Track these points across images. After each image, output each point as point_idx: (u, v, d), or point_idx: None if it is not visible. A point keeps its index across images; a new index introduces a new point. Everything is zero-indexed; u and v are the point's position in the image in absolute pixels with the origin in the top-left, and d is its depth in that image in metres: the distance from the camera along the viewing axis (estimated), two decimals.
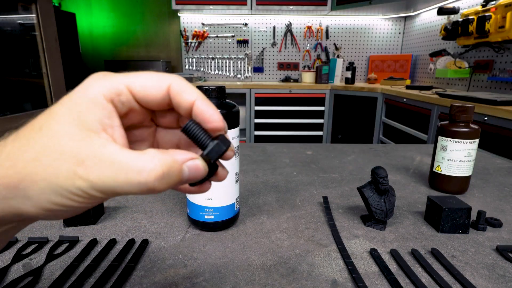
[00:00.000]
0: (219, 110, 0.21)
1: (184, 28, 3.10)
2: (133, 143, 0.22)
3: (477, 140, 0.55)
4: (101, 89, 0.18)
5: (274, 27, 3.12)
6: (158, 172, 0.16)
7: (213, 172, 0.21)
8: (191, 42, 3.13)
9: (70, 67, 2.30)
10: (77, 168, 0.16)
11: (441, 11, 2.13)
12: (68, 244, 0.40)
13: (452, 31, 1.98)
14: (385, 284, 0.33)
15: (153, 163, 0.16)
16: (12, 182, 0.16)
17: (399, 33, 3.14)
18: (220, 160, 0.21)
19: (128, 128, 0.22)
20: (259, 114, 2.78)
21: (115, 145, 0.17)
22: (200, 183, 0.21)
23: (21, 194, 0.16)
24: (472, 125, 0.54)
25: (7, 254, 0.37)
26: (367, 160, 0.77)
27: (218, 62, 3.20)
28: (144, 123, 0.22)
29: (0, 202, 0.16)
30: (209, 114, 0.19)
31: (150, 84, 0.19)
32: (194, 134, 0.19)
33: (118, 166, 0.16)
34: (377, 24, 3.13)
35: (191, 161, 0.18)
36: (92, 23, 3.11)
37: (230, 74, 3.22)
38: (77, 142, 0.16)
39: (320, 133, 2.85)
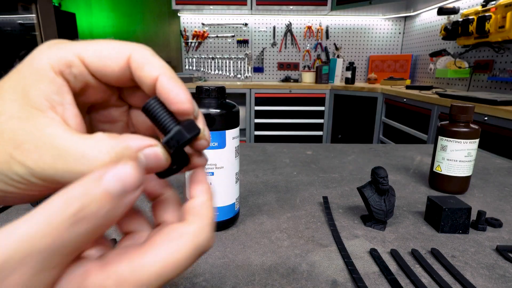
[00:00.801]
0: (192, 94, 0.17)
1: (184, 28, 3.10)
2: (103, 124, 0.20)
3: (477, 140, 0.55)
4: (49, 59, 0.15)
5: (274, 27, 3.12)
6: (104, 161, 0.13)
7: (184, 162, 0.17)
8: (191, 42, 3.13)
9: None
10: (14, 151, 0.13)
11: (441, 11, 2.13)
12: None
13: (452, 31, 1.98)
14: (385, 284, 0.33)
15: (97, 149, 0.13)
16: None
17: (399, 33, 3.14)
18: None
19: (93, 108, 0.19)
20: (259, 114, 2.78)
21: (60, 127, 0.14)
22: (168, 175, 0.17)
23: None
24: (472, 125, 0.54)
25: None
26: (367, 160, 0.77)
27: (218, 62, 3.20)
28: (110, 101, 0.19)
29: None
30: (174, 94, 0.16)
31: (106, 54, 0.15)
32: (155, 116, 0.16)
33: (57, 152, 0.13)
34: (377, 24, 3.13)
35: (149, 149, 0.15)
36: (92, 23, 3.11)
37: (230, 74, 3.22)
38: (18, 121, 0.14)
39: (320, 133, 2.85)
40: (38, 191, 0.15)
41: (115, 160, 0.13)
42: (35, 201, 0.16)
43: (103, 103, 0.19)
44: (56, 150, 0.13)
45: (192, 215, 0.16)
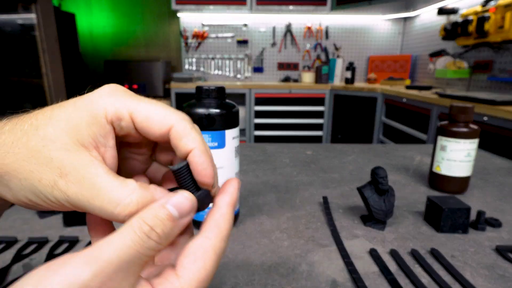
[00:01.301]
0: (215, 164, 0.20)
1: (184, 28, 3.10)
2: (131, 154, 0.22)
3: (476, 140, 0.55)
4: (105, 108, 0.17)
5: (274, 27, 3.12)
6: (132, 209, 0.16)
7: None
8: (191, 42, 3.13)
9: (70, 67, 2.29)
10: (59, 180, 0.16)
11: (441, 11, 2.14)
12: (68, 244, 0.40)
13: (451, 31, 1.98)
14: (384, 284, 0.33)
15: (130, 198, 0.16)
16: None
17: (399, 33, 3.14)
18: None
19: (125, 145, 0.22)
20: (259, 114, 2.78)
21: (101, 167, 0.17)
22: None
23: (4, 183, 0.17)
24: (471, 125, 0.55)
25: (7, 254, 0.38)
26: (367, 160, 0.77)
27: (218, 62, 3.20)
28: (142, 145, 0.22)
29: None
30: (202, 168, 0.18)
31: (154, 119, 0.18)
32: (182, 180, 0.19)
33: (97, 191, 0.16)
34: (377, 24, 3.13)
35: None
36: (92, 23, 3.11)
37: (230, 74, 3.22)
38: (67, 153, 0.16)
39: (320, 133, 2.85)
40: (66, 209, 0.17)
41: (141, 208, 0.16)
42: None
43: (136, 145, 0.22)
44: (95, 189, 0.16)
45: (211, 228, 0.18)
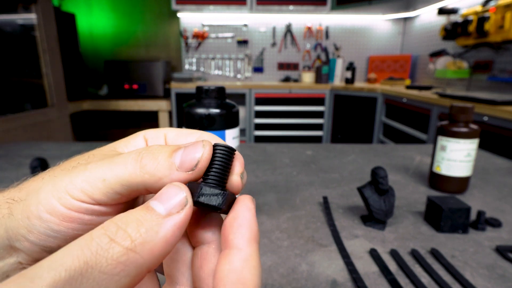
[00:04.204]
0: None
1: (184, 28, 3.10)
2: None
3: (476, 140, 0.55)
4: (146, 133, 0.20)
5: (274, 27, 3.12)
6: None
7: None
8: (191, 42, 3.13)
9: (70, 67, 2.29)
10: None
11: (441, 11, 2.14)
12: None
13: (452, 31, 1.98)
14: (385, 284, 0.33)
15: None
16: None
17: (399, 33, 3.14)
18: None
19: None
20: (259, 114, 2.78)
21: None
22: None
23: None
24: (471, 125, 0.55)
25: None
26: (367, 160, 0.77)
27: (218, 62, 3.20)
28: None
29: None
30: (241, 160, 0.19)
31: (183, 133, 0.19)
32: (218, 164, 0.16)
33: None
34: (377, 24, 3.13)
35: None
36: (92, 23, 3.11)
37: (230, 74, 3.22)
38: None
39: (320, 133, 2.85)
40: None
41: None
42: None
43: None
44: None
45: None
